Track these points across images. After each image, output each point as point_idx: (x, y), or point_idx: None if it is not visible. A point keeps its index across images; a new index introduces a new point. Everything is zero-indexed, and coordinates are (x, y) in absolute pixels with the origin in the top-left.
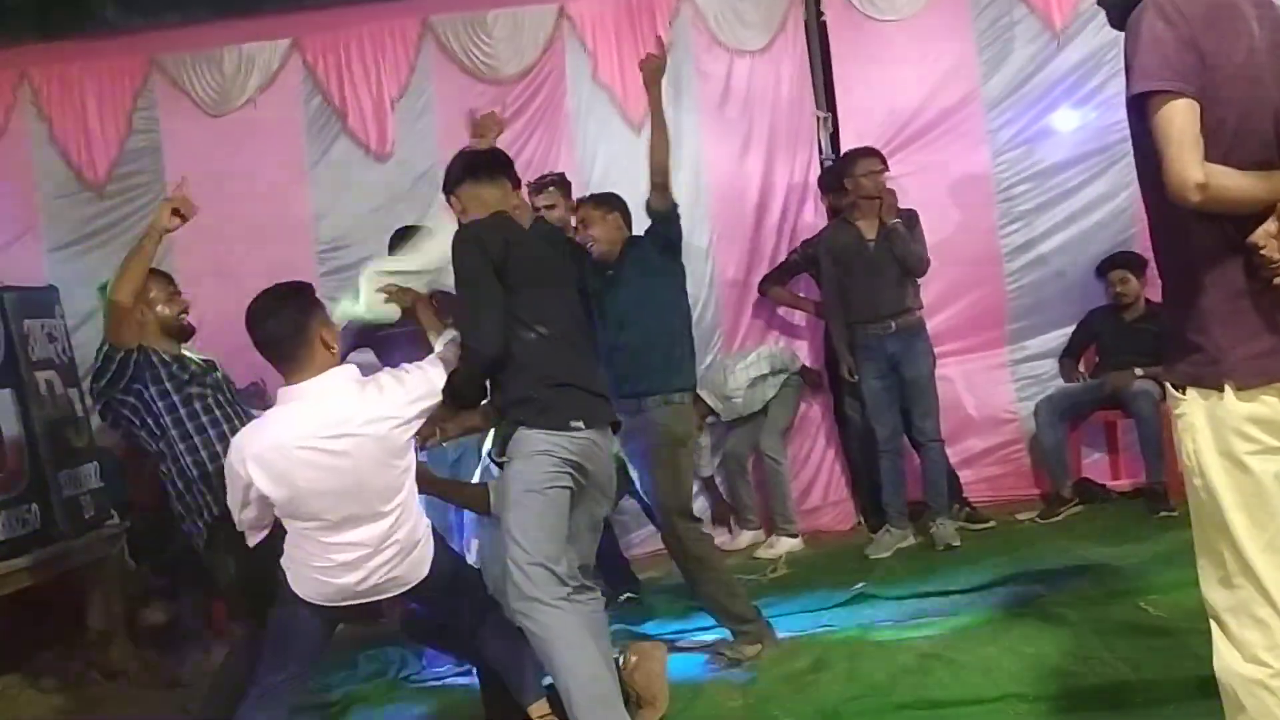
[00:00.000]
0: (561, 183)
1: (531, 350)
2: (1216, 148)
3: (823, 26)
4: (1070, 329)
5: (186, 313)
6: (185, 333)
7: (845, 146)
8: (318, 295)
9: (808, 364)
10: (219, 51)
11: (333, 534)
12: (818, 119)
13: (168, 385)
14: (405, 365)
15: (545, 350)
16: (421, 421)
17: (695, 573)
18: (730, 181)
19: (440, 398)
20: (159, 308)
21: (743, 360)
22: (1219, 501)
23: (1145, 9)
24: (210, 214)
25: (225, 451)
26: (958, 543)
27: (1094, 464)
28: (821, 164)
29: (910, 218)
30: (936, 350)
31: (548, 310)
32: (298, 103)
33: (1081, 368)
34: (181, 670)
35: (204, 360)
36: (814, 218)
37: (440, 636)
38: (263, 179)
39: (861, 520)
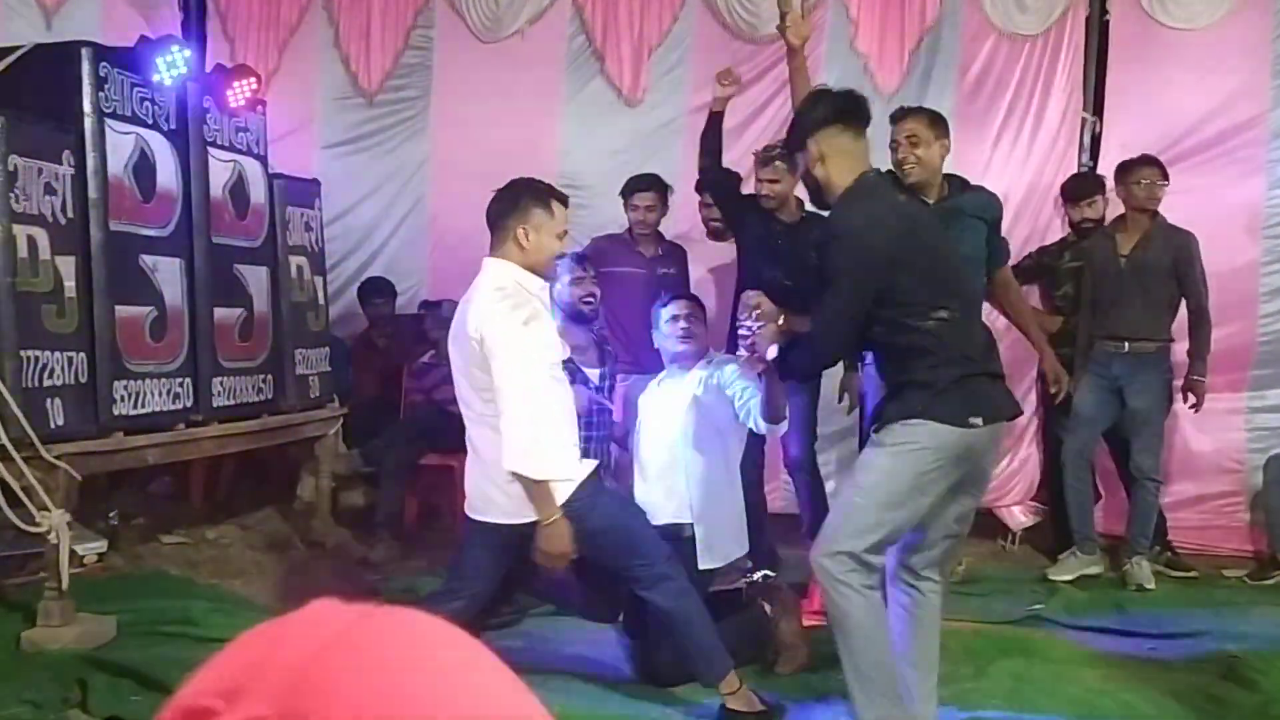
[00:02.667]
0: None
1: (932, 336)
2: None
3: (1104, 25)
4: None
5: None
6: None
7: (1107, 155)
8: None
9: None
10: None
11: None
12: (1083, 121)
13: None
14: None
15: (948, 334)
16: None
17: None
18: (974, 165)
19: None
20: None
21: None
22: None
23: None
24: (467, 135)
25: None
26: (1151, 585)
27: None
28: (1079, 168)
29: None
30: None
31: (948, 291)
32: (562, 39)
33: None
34: (371, 553)
35: None
36: (1058, 224)
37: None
38: (519, 108)
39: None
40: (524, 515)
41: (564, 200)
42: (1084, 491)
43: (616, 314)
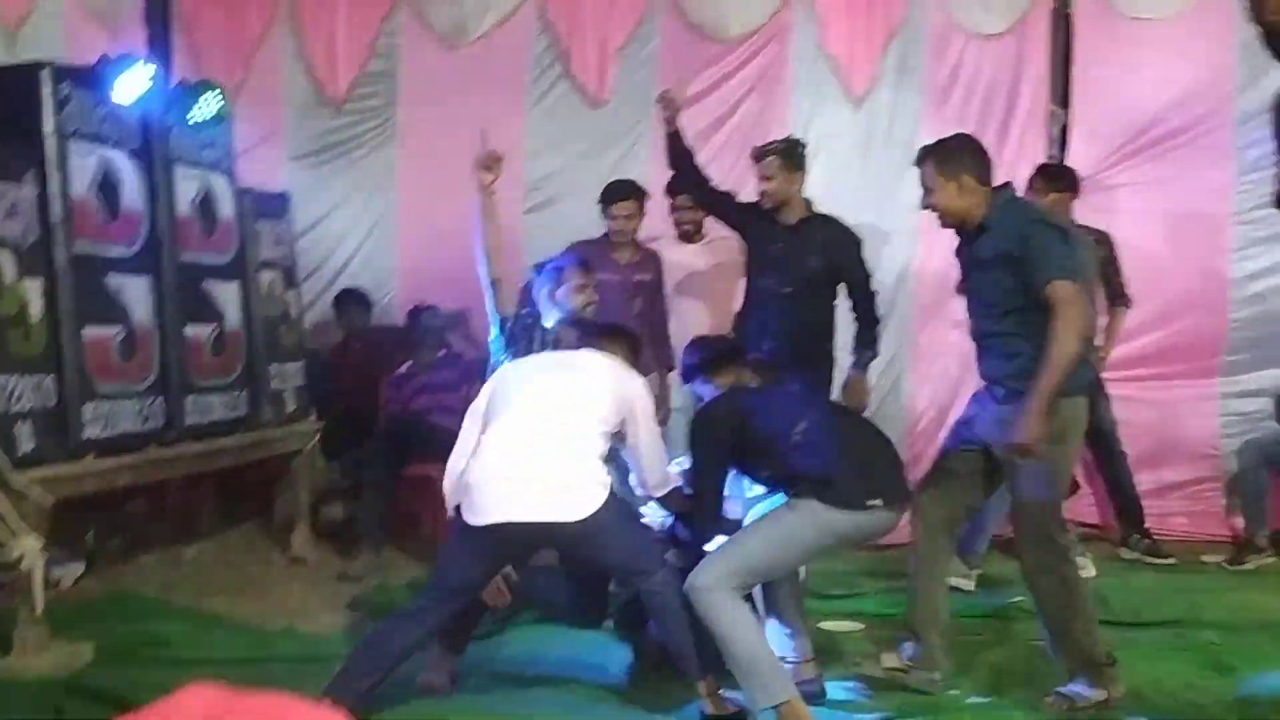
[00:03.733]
0: (784, 151)
1: (801, 448)
2: None
3: (1068, 19)
4: None
5: None
6: None
7: (1075, 146)
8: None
9: None
10: None
11: None
12: (1051, 113)
13: None
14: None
15: (817, 439)
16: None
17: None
18: None
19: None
20: None
21: None
22: None
23: None
24: (434, 141)
25: None
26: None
27: None
28: (1047, 160)
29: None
30: (1144, 370)
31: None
32: (527, 42)
33: None
34: (353, 566)
35: None
36: None
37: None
38: (485, 113)
39: None
40: (587, 509)
41: None
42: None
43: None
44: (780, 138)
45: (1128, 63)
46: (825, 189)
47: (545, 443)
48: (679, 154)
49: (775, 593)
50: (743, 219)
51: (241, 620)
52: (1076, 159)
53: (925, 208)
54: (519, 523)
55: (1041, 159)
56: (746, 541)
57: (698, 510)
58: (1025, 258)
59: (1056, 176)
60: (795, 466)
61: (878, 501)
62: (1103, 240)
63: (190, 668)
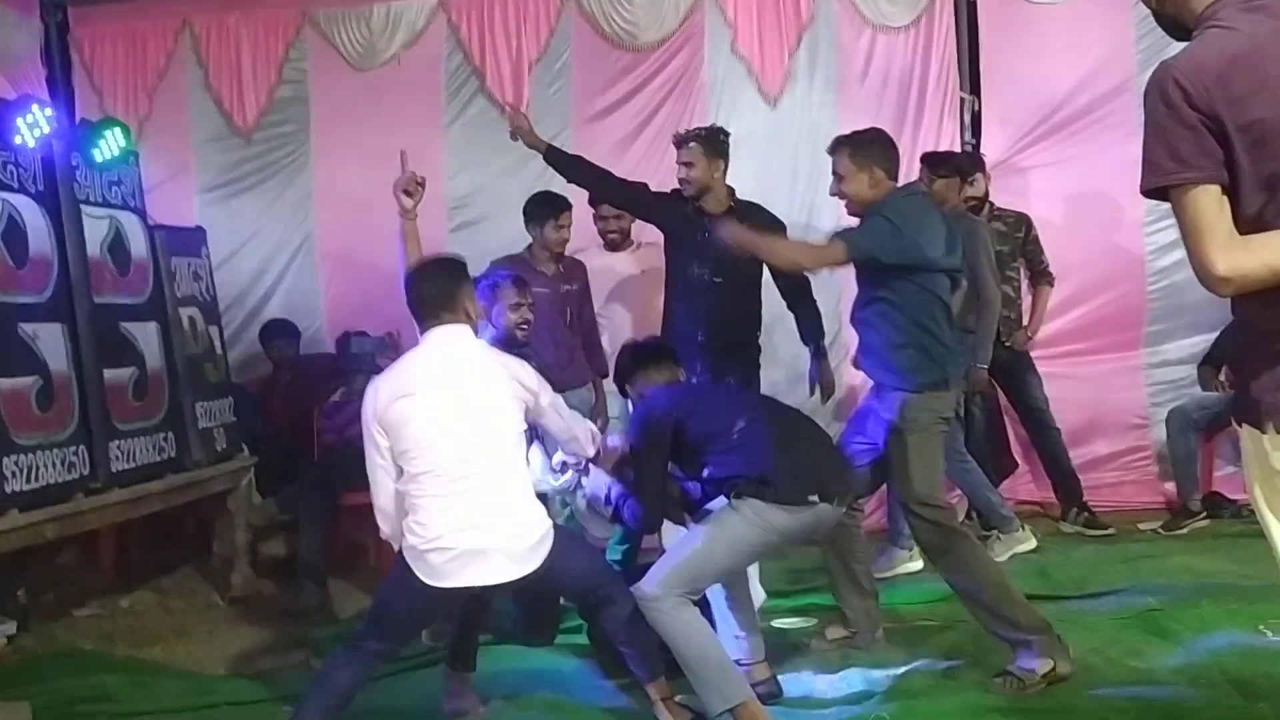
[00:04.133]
0: (705, 137)
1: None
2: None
3: (972, 6)
4: (1213, 335)
5: None
6: None
7: (988, 131)
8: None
9: None
10: (369, 8)
11: None
12: (961, 101)
13: None
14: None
15: (753, 437)
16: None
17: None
18: None
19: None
20: None
21: None
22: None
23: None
24: (350, 166)
25: None
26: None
27: (1226, 478)
28: (963, 147)
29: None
30: (1069, 346)
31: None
32: (439, 61)
33: (1221, 377)
34: (296, 602)
35: None
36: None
37: None
38: (401, 134)
39: (973, 516)
40: (531, 564)
41: None
42: (976, 475)
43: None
44: (698, 126)
45: (1032, 47)
46: (745, 187)
47: (486, 493)
48: (568, 165)
49: (725, 595)
50: (662, 206)
51: (184, 667)
52: (990, 144)
53: (835, 194)
54: (480, 585)
55: (955, 146)
56: (691, 546)
57: (643, 505)
58: None
59: (939, 163)
60: (733, 466)
61: (816, 497)
62: (1022, 221)
63: None
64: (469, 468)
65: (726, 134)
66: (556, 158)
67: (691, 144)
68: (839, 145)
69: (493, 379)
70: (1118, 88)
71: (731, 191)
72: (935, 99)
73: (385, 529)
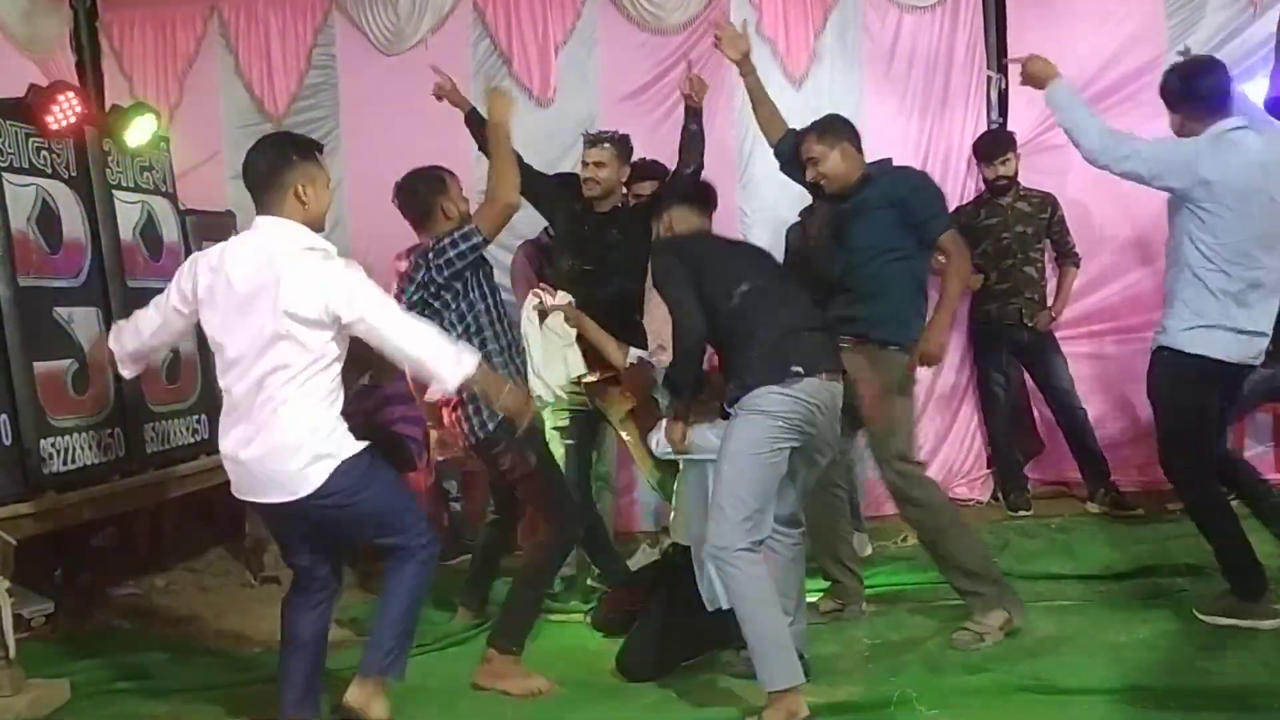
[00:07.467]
0: (618, 140)
1: (739, 312)
2: None
3: None
4: None
5: None
6: None
7: (1015, 110)
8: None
9: None
10: None
11: None
12: (988, 79)
13: (482, 277)
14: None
15: (753, 303)
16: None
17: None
18: (889, 140)
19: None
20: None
21: None
22: None
23: None
24: (379, 149)
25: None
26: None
27: (1257, 457)
28: (989, 126)
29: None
30: (1097, 327)
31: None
32: (466, 45)
33: None
34: None
35: None
36: (975, 184)
37: None
38: (429, 118)
39: (999, 496)
40: (311, 484)
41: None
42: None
43: None
44: (609, 130)
45: (1061, 23)
46: (769, 170)
47: (258, 407)
48: (479, 136)
49: None
50: (557, 199)
51: (219, 645)
52: (1018, 122)
53: (813, 179)
54: (262, 505)
55: (983, 126)
56: (720, 476)
57: (680, 326)
58: None
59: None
60: (729, 342)
61: (799, 369)
62: (1047, 201)
63: (171, 697)
64: (245, 375)
65: (630, 139)
66: (472, 122)
67: (605, 145)
68: (804, 135)
69: (291, 284)
70: (1149, 64)
71: (625, 199)
72: (963, 78)
73: (111, 340)
